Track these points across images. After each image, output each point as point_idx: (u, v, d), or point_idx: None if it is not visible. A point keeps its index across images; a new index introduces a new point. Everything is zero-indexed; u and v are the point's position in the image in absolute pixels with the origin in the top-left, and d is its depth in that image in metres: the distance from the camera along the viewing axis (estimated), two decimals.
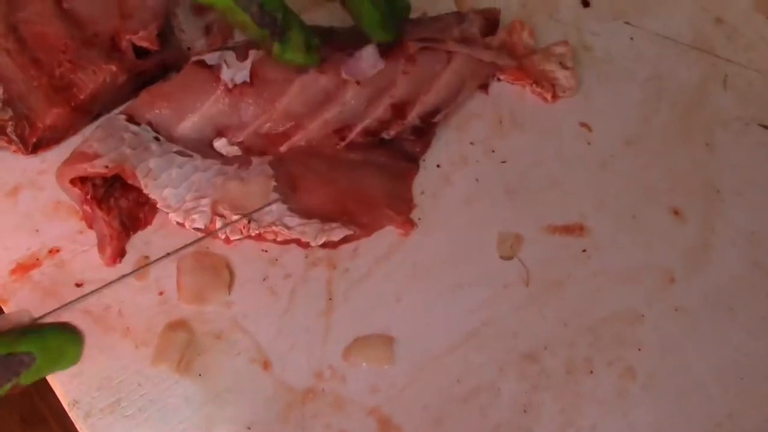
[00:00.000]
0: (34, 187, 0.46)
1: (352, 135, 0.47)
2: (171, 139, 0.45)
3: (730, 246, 0.47)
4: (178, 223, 0.43)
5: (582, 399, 0.42)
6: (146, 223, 0.45)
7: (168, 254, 0.43)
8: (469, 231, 0.46)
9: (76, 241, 0.44)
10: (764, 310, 0.45)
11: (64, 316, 0.41)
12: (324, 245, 0.44)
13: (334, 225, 0.45)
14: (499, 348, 0.43)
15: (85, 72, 0.46)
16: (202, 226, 0.43)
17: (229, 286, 0.43)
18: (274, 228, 0.44)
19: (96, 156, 0.42)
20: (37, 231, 0.44)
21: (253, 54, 0.46)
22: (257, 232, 0.44)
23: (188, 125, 0.45)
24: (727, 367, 0.43)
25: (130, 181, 0.43)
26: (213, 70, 0.45)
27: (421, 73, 0.48)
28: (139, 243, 0.44)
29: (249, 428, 0.40)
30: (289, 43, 0.43)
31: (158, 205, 0.43)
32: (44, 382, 0.40)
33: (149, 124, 0.45)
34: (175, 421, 0.40)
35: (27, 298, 0.42)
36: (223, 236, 0.44)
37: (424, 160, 0.48)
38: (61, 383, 0.40)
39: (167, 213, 0.43)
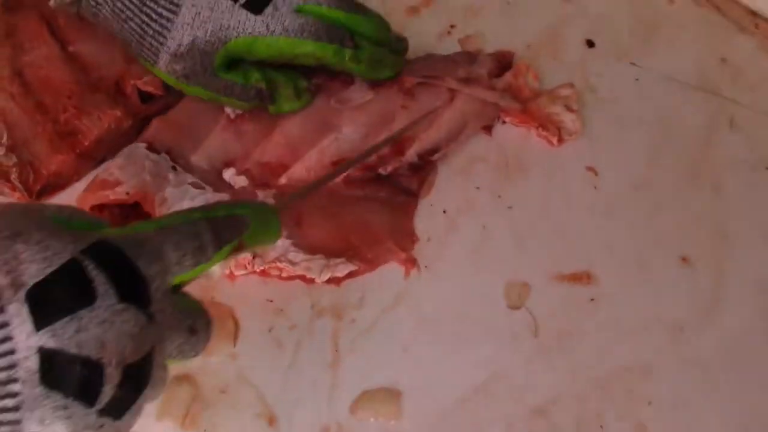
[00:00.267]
0: None
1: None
2: (187, 168, 0.45)
3: (741, 294, 0.46)
4: None
5: None
6: None
7: None
8: (476, 279, 0.45)
9: None
10: None
11: None
12: (329, 281, 0.44)
13: (338, 260, 0.44)
14: (507, 402, 0.42)
15: (90, 117, 0.46)
16: None
17: (235, 338, 0.43)
18: (278, 264, 0.43)
19: (117, 183, 0.43)
20: None
21: None
22: (261, 267, 0.43)
23: (201, 154, 0.46)
24: (739, 421, 0.42)
25: (147, 209, 0.43)
26: None
27: (421, 109, 0.48)
28: None
29: None
30: (281, 99, 0.45)
31: None
32: None
33: (168, 152, 0.45)
34: None
35: None
36: (227, 272, 0.43)
37: (432, 205, 0.48)
38: None
39: None
